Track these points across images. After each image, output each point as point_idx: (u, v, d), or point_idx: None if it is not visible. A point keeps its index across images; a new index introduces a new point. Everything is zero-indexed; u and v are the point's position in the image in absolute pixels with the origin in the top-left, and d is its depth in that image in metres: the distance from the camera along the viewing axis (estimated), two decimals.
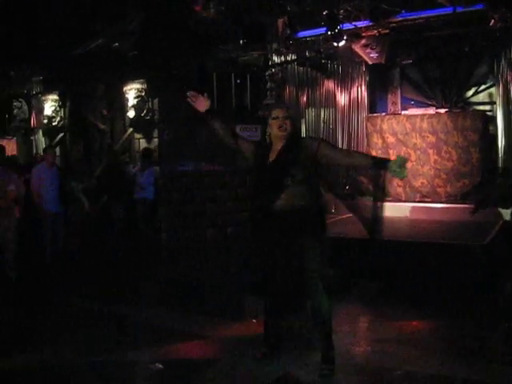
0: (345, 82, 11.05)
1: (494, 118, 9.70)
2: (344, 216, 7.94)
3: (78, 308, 5.77)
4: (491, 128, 9.73)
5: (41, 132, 12.33)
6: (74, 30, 9.15)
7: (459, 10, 8.22)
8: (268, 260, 3.94)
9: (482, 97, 10.24)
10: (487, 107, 10.11)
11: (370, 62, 9.68)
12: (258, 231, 4.02)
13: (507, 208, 8.13)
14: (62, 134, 11.69)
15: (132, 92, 10.06)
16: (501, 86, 9.47)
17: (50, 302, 6.03)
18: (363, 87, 10.93)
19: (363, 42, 9.30)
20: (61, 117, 11.80)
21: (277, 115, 3.93)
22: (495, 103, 9.71)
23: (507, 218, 8.14)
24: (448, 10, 8.37)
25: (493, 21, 8.01)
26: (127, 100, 10.12)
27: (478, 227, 7.72)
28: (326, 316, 3.86)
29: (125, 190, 9.25)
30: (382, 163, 3.76)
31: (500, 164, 9.35)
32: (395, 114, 10.50)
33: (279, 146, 3.94)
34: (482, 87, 10.17)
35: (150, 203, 9.21)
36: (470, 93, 10.30)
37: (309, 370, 3.90)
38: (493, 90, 9.89)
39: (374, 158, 4.00)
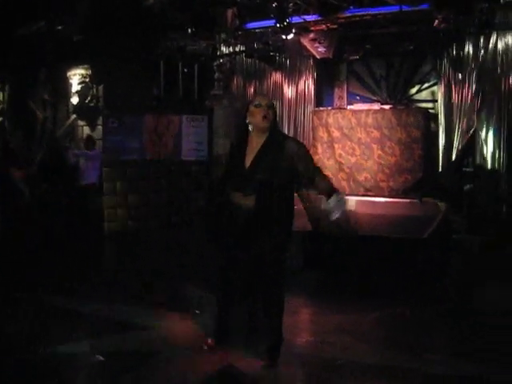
0: (292, 75, 11.08)
1: (435, 116, 9.95)
2: None
3: (18, 300, 5.58)
4: (433, 125, 9.98)
5: None
6: (15, 11, 8.79)
7: (405, 8, 8.39)
8: (230, 255, 3.89)
9: (425, 94, 10.48)
10: (430, 105, 10.38)
11: (318, 57, 9.74)
12: (222, 226, 3.93)
13: (441, 201, 8.41)
14: (0, 120, 11.27)
15: (76, 78, 9.78)
16: (443, 84, 9.71)
17: None
18: (310, 81, 10.99)
19: (311, 35, 9.34)
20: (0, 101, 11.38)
21: (259, 102, 3.80)
22: (437, 101, 9.97)
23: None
24: (395, 9, 8.52)
25: (437, 21, 8.22)
26: (71, 86, 9.84)
27: (418, 221, 7.92)
28: (279, 309, 3.88)
29: (67, 176, 9.03)
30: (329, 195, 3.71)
31: (440, 160, 9.61)
32: (341, 109, 10.61)
33: (260, 141, 3.79)
34: (426, 85, 10.42)
35: (97, 189, 9.05)
36: (414, 90, 10.52)
37: (253, 361, 3.91)
38: (435, 88, 10.13)
39: (334, 191, 3.78)
